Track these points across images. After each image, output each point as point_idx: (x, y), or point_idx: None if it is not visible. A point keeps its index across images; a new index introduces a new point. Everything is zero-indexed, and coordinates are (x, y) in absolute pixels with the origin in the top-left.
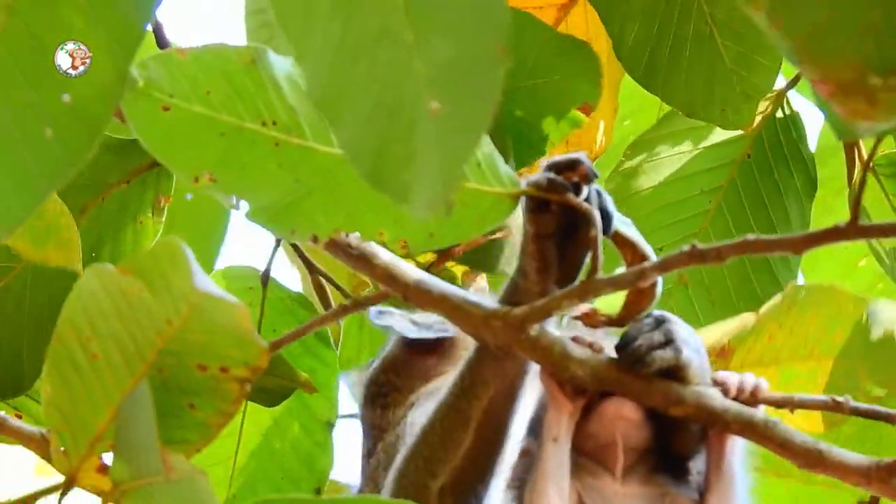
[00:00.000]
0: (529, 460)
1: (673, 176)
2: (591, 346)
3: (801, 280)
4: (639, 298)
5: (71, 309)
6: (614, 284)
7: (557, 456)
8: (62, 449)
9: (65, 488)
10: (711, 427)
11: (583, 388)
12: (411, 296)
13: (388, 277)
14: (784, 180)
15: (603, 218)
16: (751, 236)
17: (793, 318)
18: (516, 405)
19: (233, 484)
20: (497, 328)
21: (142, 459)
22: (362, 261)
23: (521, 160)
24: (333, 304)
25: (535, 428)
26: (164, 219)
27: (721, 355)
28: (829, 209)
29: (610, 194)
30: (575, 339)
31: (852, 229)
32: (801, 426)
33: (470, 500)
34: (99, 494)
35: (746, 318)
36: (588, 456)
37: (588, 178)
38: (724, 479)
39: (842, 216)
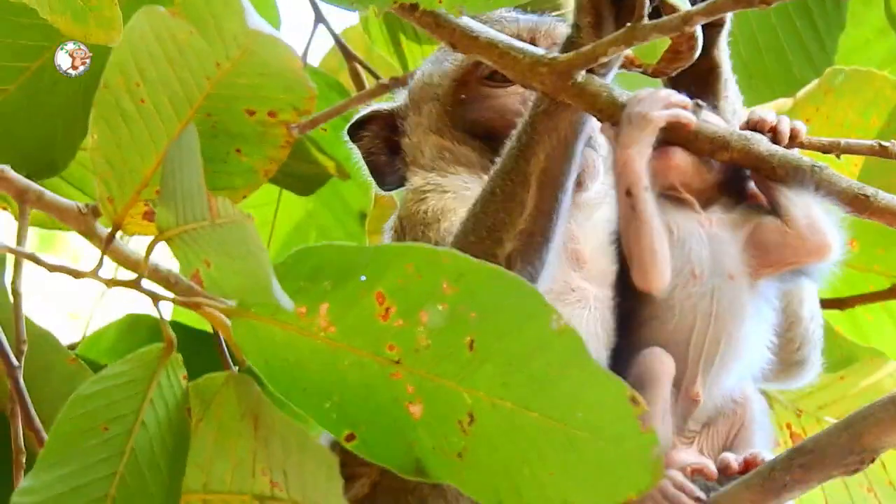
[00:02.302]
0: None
1: None
2: None
3: None
4: (677, 54)
5: (120, 54)
6: (660, 30)
7: (652, 202)
8: (108, 196)
9: (111, 234)
10: (757, 172)
11: None
12: (458, 42)
13: (434, 25)
14: None
15: None
16: None
17: (829, 103)
18: (573, 161)
19: None
20: (544, 74)
21: (188, 205)
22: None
23: None
24: None
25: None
26: None
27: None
28: None
29: None
30: None
31: None
32: None
33: (535, 263)
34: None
35: (782, 103)
36: (666, 191)
37: None
38: (793, 196)
39: None
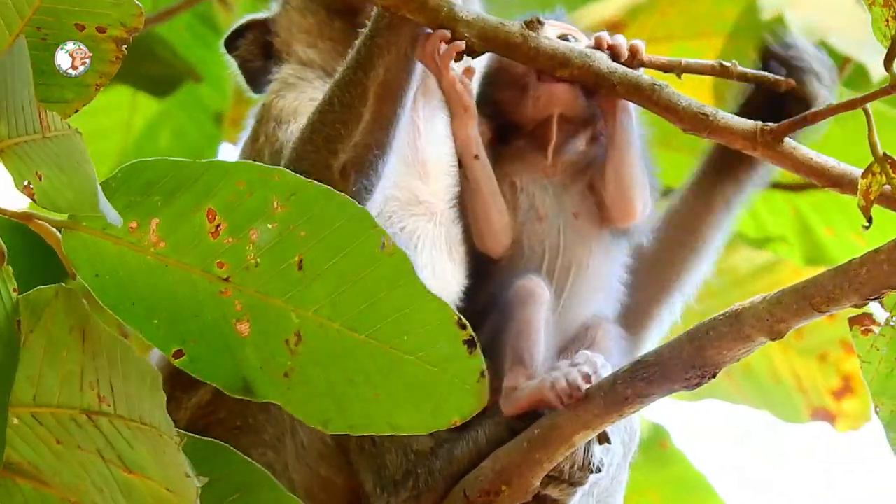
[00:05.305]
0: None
1: None
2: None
3: None
4: None
5: None
6: None
7: (484, 170)
8: None
9: None
10: (598, 90)
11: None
12: None
13: None
14: None
15: None
16: None
17: None
18: (412, 76)
19: None
20: None
21: (19, 118)
22: None
23: None
24: None
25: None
26: None
27: (613, 29)
28: None
29: None
30: None
31: None
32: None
33: (370, 176)
34: None
35: None
36: (521, 137)
37: None
38: (619, 135)
39: None
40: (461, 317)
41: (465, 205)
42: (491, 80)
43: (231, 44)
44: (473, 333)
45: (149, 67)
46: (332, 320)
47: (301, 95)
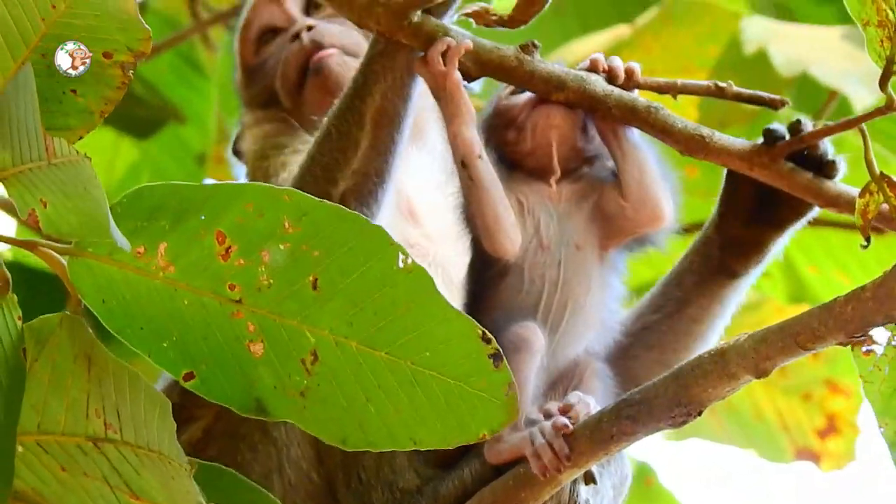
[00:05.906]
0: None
1: None
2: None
3: None
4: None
5: None
6: None
7: (488, 170)
8: None
9: None
10: (594, 113)
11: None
12: None
13: None
14: None
15: None
16: None
17: (668, 33)
18: (409, 102)
19: None
20: (380, 14)
21: (24, 145)
22: None
23: None
24: None
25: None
26: None
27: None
28: None
29: None
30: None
31: None
32: None
33: (371, 204)
34: None
35: (621, 31)
36: (524, 171)
37: None
38: (628, 149)
39: None
40: (485, 331)
41: (472, 208)
42: (489, 124)
43: (237, 151)
44: (499, 347)
45: (131, 108)
46: (349, 338)
47: (283, 150)
